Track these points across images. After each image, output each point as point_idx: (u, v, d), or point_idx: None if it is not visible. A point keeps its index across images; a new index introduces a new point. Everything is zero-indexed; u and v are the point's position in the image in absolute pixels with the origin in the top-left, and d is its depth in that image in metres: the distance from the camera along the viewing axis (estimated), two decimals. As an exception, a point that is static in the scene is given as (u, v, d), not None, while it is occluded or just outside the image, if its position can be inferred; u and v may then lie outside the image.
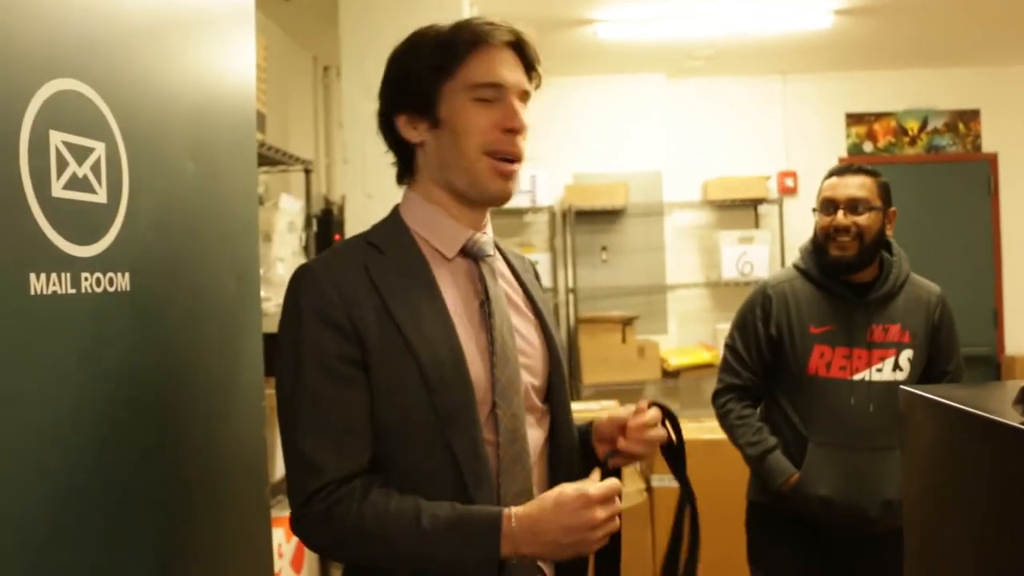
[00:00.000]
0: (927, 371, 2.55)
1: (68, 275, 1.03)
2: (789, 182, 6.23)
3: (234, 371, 1.49)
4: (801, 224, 6.13)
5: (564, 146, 5.96)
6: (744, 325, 2.63)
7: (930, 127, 6.41)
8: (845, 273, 2.51)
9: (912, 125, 6.40)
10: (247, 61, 1.57)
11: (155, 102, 1.24)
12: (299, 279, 1.30)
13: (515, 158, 1.36)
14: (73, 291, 1.04)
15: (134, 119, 1.17)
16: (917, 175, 6.35)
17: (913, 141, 6.41)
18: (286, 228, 3.21)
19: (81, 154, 1.06)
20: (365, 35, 4.12)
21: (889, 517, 2.42)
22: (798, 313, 2.53)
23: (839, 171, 2.60)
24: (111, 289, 1.11)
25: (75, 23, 1.06)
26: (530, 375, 1.40)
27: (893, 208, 2.57)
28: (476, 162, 1.34)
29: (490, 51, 1.34)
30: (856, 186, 2.52)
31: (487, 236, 1.43)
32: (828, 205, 2.53)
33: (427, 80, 1.34)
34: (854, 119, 6.38)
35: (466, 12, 4.18)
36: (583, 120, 6.05)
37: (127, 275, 1.14)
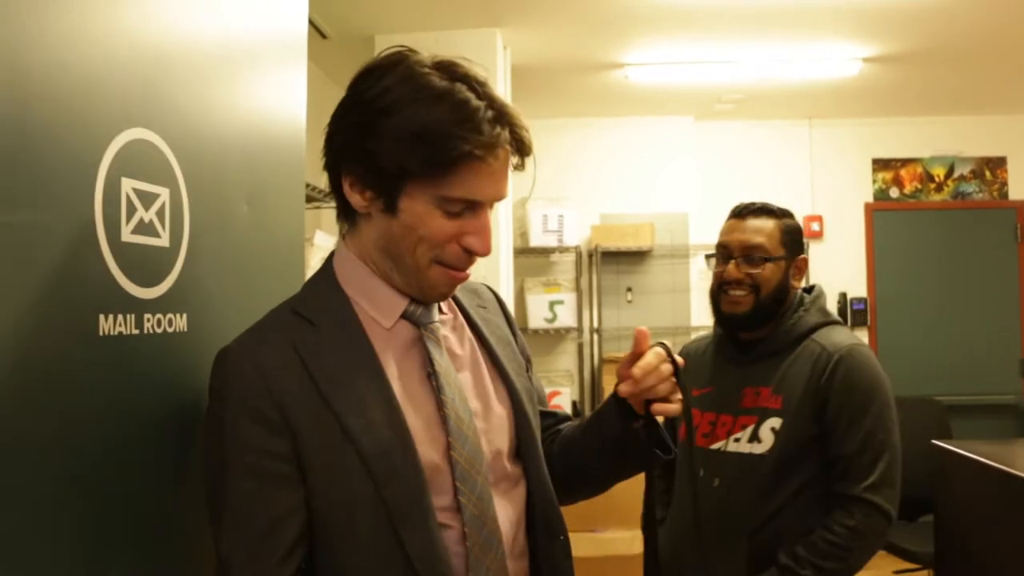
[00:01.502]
0: (819, 450, 2.03)
1: (133, 316, 1.07)
2: (815, 226, 6.24)
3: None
4: (827, 269, 6.17)
5: (592, 186, 6.01)
6: None
7: (956, 174, 6.42)
8: (737, 330, 2.16)
9: (939, 171, 6.42)
10: (298, 103, 1.62)
11: (214, 147, 1.29)
12: (220, 364, 1.14)
13: (466, 268, 1.22)
14: (137, 331, 1.08)
15: (195, 165, 1.22)
16: (943, 222, 6.36)
17: (939, 187, 6.42)
18: (319, 263, 3.24)
19: (148, 200, 1.11)
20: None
21: None
22: (690, 374, 2.14)
23: (739, 212, 2.23)
24: (170, 330, 1.16)
25: (146, 73, 1.12)
26: (497, 441, 1.26)
27: (803, 256, 2.22)
28: (426, 269, 1.18)
29: (484, 165, 1.14)
30: (754, 231, 2.15)
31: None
32: (722, 252, 2.18)
33: (394, 173, 1.14)
34: (880, 164, 6.40)
35: (500, 56, 4.26)
36: (611, 161, 6.10)
37: (185, 316, 1.19)
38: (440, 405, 1.20)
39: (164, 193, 1.14)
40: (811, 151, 6.36)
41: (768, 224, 2.16)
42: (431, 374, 1.21)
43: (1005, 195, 6.42)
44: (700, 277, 6.20)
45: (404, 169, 1.13)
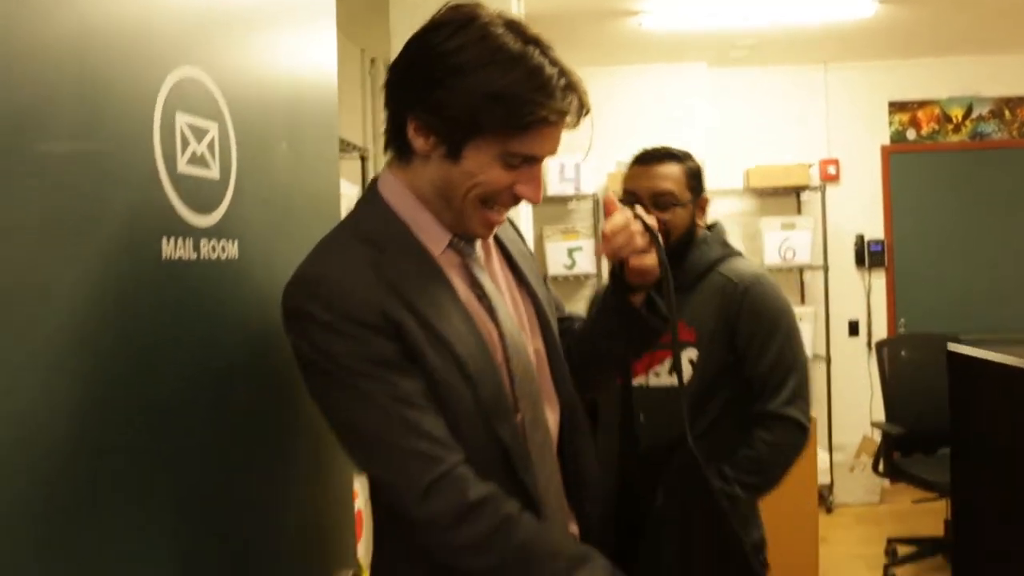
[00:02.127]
0: (736, 375, 2.16)
1: (191, 241, 1.15)
2: (831, 170, 6.27)
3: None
4: (843, 211, 6.21)
5: (608, 135, 6.01)
6: None
7: (975, 114, 6.40)
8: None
9: (956, 112, 6.40)
10: (329, 52, 1.68)
11: (255, 87, 1.36)
12: (311, 287, 1.22)
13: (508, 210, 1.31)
14: (195, 256, 1.16)
15: (240, 102, 1.29)
16: (961, 163, 6.37)
17: (957, 128, 6.40)
18: (343, 212, 3.33)
19: (199, 134, 1.18)
20: (415, 27, 4.24)
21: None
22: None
23: (644, 158, 2.23)
24: (223, 256, 1.24)
25: (196, 13, 1.19)
26: (532, 349, 1.39)
27: (705, 195, 2.26)
28: (472, 209, 1.27)
29: (553, 128, 1.24)
30: (662, 177, 2.17)
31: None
32: (630, 198, 2.15)
33: (466, 125, 1.21)
34: (897, 107, 6.39)
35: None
36: (626, 109, 6.13)
37: (236, 243, 1.27)
38: (497, 323, 1.32)
39: (213, 128, 1.21)
40: (827, 95, 6.36)
41: (675, 169, 2.19)
42: (481, 296, 1.33)
43: (1024, 135, 6.41)
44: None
45: (477, 125, 1.20)
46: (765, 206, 6.27)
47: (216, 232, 1.21)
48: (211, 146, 1.21)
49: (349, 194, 3.64)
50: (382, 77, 5.90)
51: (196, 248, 1.17)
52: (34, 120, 0.88)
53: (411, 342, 1.22)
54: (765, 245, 5.92)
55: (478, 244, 1.39)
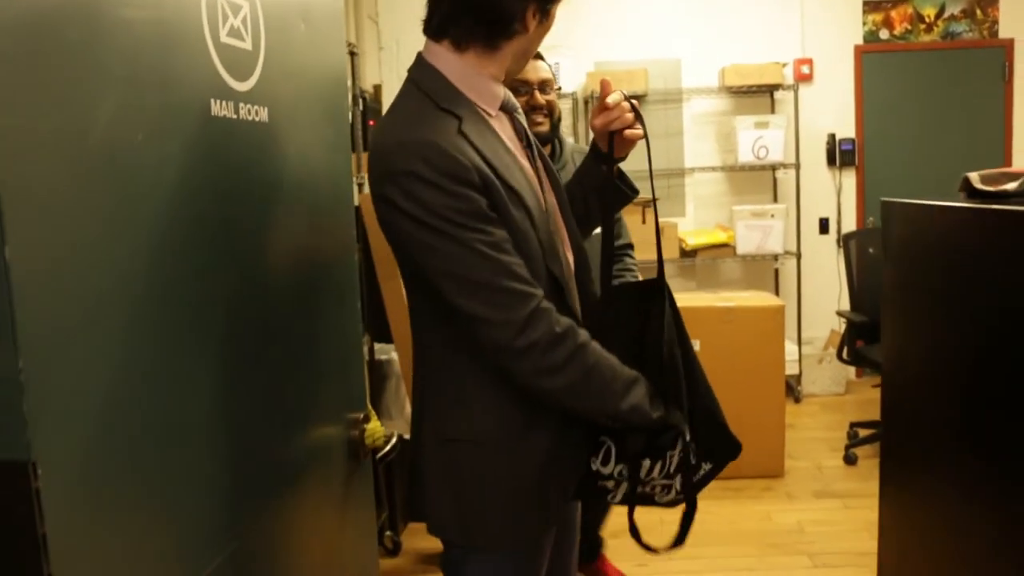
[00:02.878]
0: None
1: (232, 103, 1.32)
2: (805, 69, 6.39)
3: (333, 199, 1.79)
4: (816, 110, 6.36)
5: (586, 34, 6.15)
6: None
7: (947, 13, 6.50)
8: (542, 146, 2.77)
9: (929, 12, 6.50)
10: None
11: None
12: (423, 149, 1.39)
13: None
14: (235, 116, 1.33)
15: (265, -17, 1.44)
16: (932, 63, 6.48)
17: (929, 28, 6.51)
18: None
19: (235, 9, 1.34)
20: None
21: None
22: None
23: None
24: (257, 119, 1.40)
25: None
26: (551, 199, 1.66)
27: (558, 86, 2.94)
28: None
29: None
30: (544, 69, 2.88)
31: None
32: (522, 86, 2.82)
33: None
34: (871, 6, 6.48)
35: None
36: (605, 9, 6.22)
37: (266, 109, 1.43)
38: (537, 170, 1.62)
39: (246, 5, 1.37)
40: (802, -6, 6.44)
41: (546, 64, 2.91)
42: (528, 146, 1.63)
43: (995, 34, 6.49)
44: (693, 121, 6.40)
45: None
46: (739, 105, 6.40)
47: (252, 96, 1.38)
48: (244, 21, 1.36)
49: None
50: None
51: (236, 110, 1.33)
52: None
53: (497, 197, 1.43)
54: (739, 144, 6.08)
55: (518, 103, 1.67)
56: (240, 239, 1.37)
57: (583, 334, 1.49)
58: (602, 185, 1.78)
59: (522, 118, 1.66)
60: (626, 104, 1.70)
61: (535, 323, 1.42)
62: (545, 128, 2.86)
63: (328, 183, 1.73)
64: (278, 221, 1.51)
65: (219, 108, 1.28)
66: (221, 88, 1.29)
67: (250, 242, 1.41)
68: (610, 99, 1.69)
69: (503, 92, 1.58)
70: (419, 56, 1.55)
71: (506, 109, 1.61)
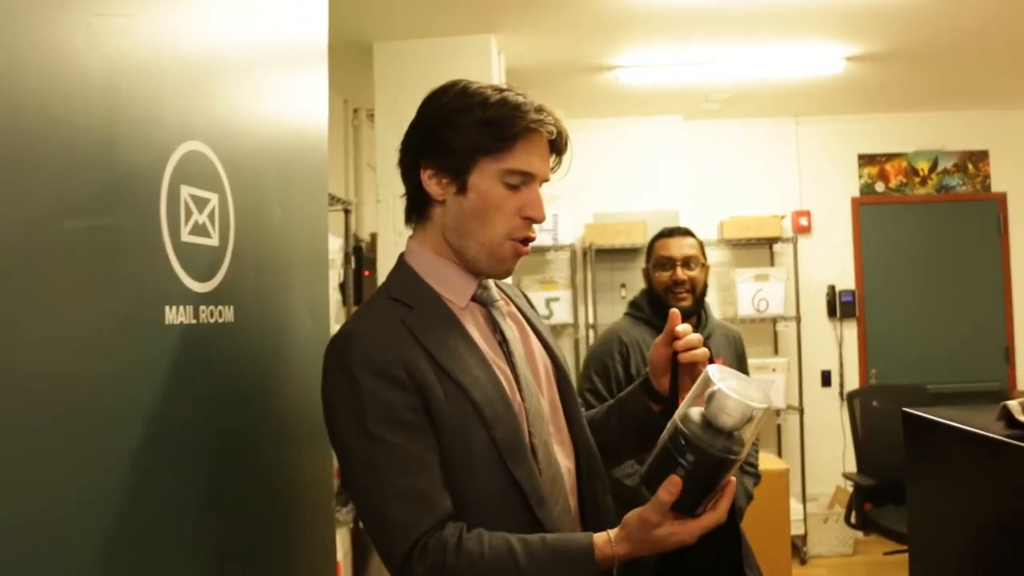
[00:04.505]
0: None
1: (191, 307, 1.21)
2: (803, 221, 6.39)
3: (309, 398, 1.66)
4: (815, 262, 6.33)
5: (585, 186, 6.15)
6: (605, 369, 2.96)
7: (940, 168, 6.55)
8: (683, 320, 2.78)
9: (923, 166, 6.56)
10: (321, 112, 1.75)
11: (251, 154, 1.43)
12: (347, 344, 1.35)
13: (531, 241, 1.47)
14: (194, 321, 1.21)
15: (237, 172, 1.35)
16: (928, 214, 6.50)
17: (924, 181, 6.55)
18: (328, 265, 3.38)
19: (201, 204, 1.24)
20: (398, 79, 4.35)
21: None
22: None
23: (670, 233, 3.03)
24: (220, 320, 1.29)
25: (198, 88, 1.25)
26: (548, 397, 1.51)
27: (707, 264, 3.00)
28: (500, 245, 1.43)
29: (535, 141, 1.42)
30: (688, 246, 2.97)
31: (489, 282, 1.52)
32: (666, 262, 2.95)
33: (468, 152, 1.40)
34: (866, 160, 6.54)
35: (495, 61, 4.39)
36: (604, 161, 6.24)
37: (232, 308, 1.32)
38: (512, 367, 1.46)
39: (214, 198, 1.27)
40: (798, 147, 6.50)
41: (694, 240, 3.00)
42: (502, 342, 1.48)
43: (988, 187, 6.55)
44: (692, 273, 6.33)
45: (475, 148, 1.40)
46: (738, 257, 6.37)
47: (214, 297, 1.27)
48: (211, 215, 1.27)
49: (334, 247, 3.70)
50: (365, 127, 5.98)
51: (196, 314, 1.22)
52: (59, 195, 0.94)
53: (431, 395, 1.33)
54: (739, 296, 6.00)
55: (498, 297, 1.54)
56: (201, 449, 1.24)
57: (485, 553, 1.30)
58: (643, 422, 1.59)
59: (503, 311, 1.53)
60: (696, 336, 1.52)
61: (418, 560, 1.28)
62: (688, 303, 2.89)
63: (303, 387, 1.60)
64: (244, 427, 1.37)
65: (175, 315, 1.16)
66: (179, 292, 1.18)
67: (208, 467, 1.27)
68: (680, 328, 1.51)
69: (473, 285, 1.49)
70: (400, 256, 1.53)
71: (480, 301, 1.50)
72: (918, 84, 5.70)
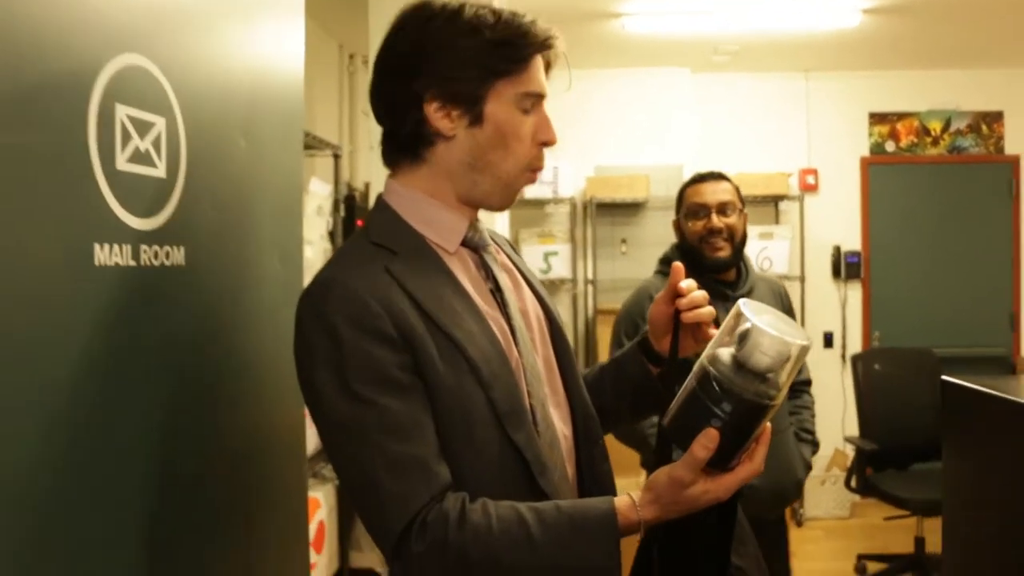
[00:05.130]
0: None
1: (129, 247, 1.05)
2: (810, 179, 6.22)
3: (275, 350, 1.52)
4: (821, 222, 6.17)
5: (587, 138, 5.97)
6: (636, 330, 2.64)
7: (953, 128, 6.38)
8: (720, 272, 2.61)
9: (935, 125, 6.38)
10: (297, 47, 1.59)
11: (212, 80, 1.27)
12: (325, 292, 1.19)
13: (541, 170, 1.34)
14: (133, 263, 1.06)
15: (192, 96, 1.19)
16: (939, 176, 6.34)
17: (936, 142, 6.38)
18: (314, 212, 3.24)
19: (143, 128, 1.08)
20: (393, 22, 4.15)
21: (797, 495, 2.67)
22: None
23: (702, 178, 2.70)
24: (167, 263, 1.14)
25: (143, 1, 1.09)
26: (543, 353, 1.37)
27: (745, 210, 2.71)
28: (518, 177, 1.30)
29: (538, 59, 1.29)
30: (724, 191, 2.65)
31: (481, 225, 1.37)
32: (699, 210, 2.62)
33: (481, 77, 1.25)
34: (877, 118, 6.35)
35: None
36: (607, 113, 6.06)
37: (182, 249, 1.17)
38: (508, 319, 1.31)
39: (160, 122, 1.12)
40: (807, 104, 6.31)
41: (730, 185, 2.68)
42: (495, 291, 1.33)
43: (1001, 149, 6.39)
44: (695, 230, 6.18)
45: (490, 71, 1.25)
46: (743, 214, 6.20)
47: (160, 237, 1.11)
48: (157, 142, 1.11)
49: (322, 193, 3.54)
50: (360, 73, 5.81)
51: (136, 255, 1.06)
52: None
53: (422, 350, 1.18)
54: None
55: (490, 240, 1.39)
56: (136, 412, 1.09)
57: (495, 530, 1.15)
58: (640, 384, 1.46)
59: (495, 257, 1.38)
60: (702, 294, 1.36)
61: (417, 536, 1.13)
62: (726, 253, 2.60)
63: (268, 337, 1.46)
64: (188, 396, 1.22)
65: (107, 255, 1.01)
66: (113, 229, 1.02)
67: (154, 431, 1.12)
68: (684, 284, 1.35)
69: (465, 226, 1.32)
70: (378, 197, 1.35)
71: (472, 246, 1.34)
72: (934, 40, 5.51)
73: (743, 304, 1.15)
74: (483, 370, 1.21)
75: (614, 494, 1.26)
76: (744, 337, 1.11)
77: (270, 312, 1.50)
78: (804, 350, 1.12)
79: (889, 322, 6.31)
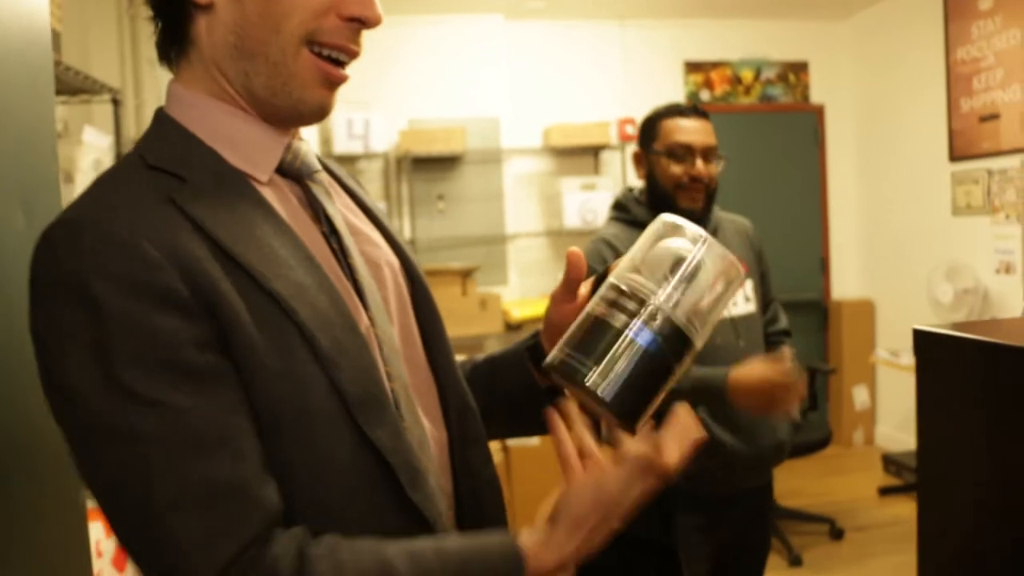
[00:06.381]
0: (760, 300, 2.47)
1: None
2: (629, 128, 6.12)
3: (22, 330, 1.14)
4: (644, 170, 6.09)
5: (399, 90, 5.62)
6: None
7: (763, 77, 6.45)
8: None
9: (747, 74, 6.42)
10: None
11: None
12: (73, 240, 0.80)
13: (350, 56, 0.95)
14: None
15: None
16: (752, 125, 6.41)
17: (748, 90, 6.43)
18: (91, 166, 2.77)
19: None
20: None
21: (780, 459, 2.35)
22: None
23: (682, 112, 2.33)
24: None
25: None
26: (398, 317, 1.02)
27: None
28: (293, 56, 0.91)
29: None
30: (708, 132, 2.33)
31: (306, 144, 1.01)
32: (682, 152, 2.28)
33: None
34: (692, 67, 6.33)
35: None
36: (419, 63, 5.72)
37: None
38: (350, 270, 0.96)
39: None
40: (623, 52, 6.20)
41: (710, 126, 2.35)
42: (328, 234, 0.97)
43: (807, 98, 6.53)
44: (514, 182, 5.98)
45: None
46: (562, 166, 6.05)
47: None
48: None
49: (100, 144, 3.06)
50: (141, 21, 5.24)
51: None
52: None
53: (227, 314, 0.81)
54: (565, 207, 5.69)
55: (318, 166, 1.02)
56: None
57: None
58: (523, 396, 1.13)
59: (328, 190, 1.01)
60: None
61: None
62: (698, 206, 2.28)
63: (21, 320, 1.08)
64: None
65: None
66: None
67: None
68: (584, 288, 1.06)
69: (279, 145, 0.96)
70: (156, 110, 0.97)
71: (293, 174, 0.98)
72: (748, -15, 5.48)
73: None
74: (321, 340, 0.86)
75: (502, 507, 0.95)
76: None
77: (12, 282, 1.12)
78: (719, 261, 0.98)
79: (707, 270, 6.35)
